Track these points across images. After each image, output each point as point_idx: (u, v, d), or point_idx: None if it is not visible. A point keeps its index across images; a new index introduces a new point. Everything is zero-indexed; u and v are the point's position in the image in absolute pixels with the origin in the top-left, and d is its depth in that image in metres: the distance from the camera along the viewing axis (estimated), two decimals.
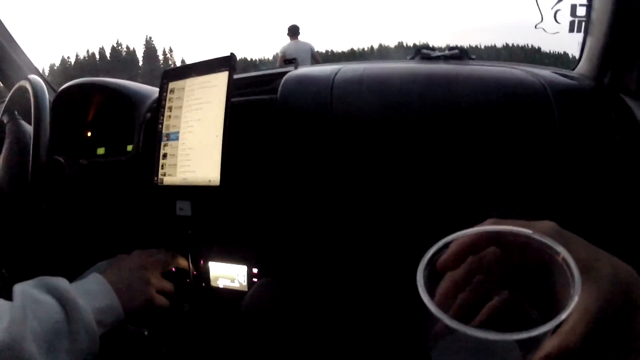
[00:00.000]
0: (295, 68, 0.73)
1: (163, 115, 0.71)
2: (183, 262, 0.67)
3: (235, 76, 0.65)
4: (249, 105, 0.66)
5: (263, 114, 0.65)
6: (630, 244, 0.57)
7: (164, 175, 0.69)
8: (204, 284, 0.69)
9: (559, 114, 0.60)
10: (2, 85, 1.05)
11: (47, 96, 0.70)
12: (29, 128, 0.71)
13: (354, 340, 0.59)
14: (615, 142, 0.60)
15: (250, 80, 0.72)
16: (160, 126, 0.71)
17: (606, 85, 0.67)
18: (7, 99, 0.81)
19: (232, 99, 0.62)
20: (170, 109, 0.71)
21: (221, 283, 0.69)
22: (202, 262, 0.68)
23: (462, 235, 0.27)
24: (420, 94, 0.63)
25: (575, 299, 0.23)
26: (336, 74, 0.66)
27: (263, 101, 0.65)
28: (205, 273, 0.68)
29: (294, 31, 4.45)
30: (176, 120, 0.69)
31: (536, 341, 0.23)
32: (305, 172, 0.62)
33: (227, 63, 0.65)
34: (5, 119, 0.77)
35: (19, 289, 0.51)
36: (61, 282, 0.53)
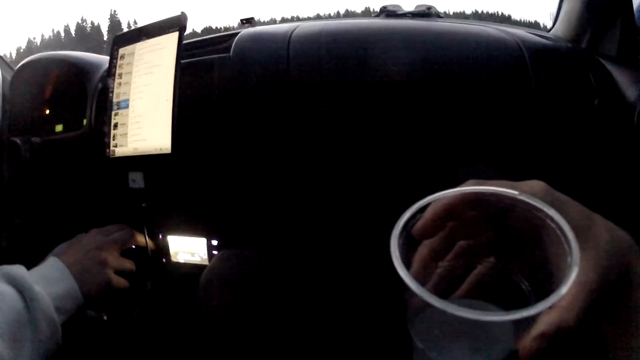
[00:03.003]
0: (253, 27, 0.68)
1: (113, 83, 0.67)
2: (142, 239, 0.64)
3: (188, 41, 0.61)
4: (200, 65, 0.62)
5: (216, 74, 0.61)
6: (610, 210, 0.55)
7: (115, 146, 0.64)
8: (164, 260, 0.66)
9: (534, 73, 0.58)
10: None
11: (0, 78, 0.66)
12: None
13: (319, 314, 0.56)
14: (594, 106, 0.57)
15: (204, 42, 0.68)
16: (110, 95, 0.67)
17: (583, 48, 0.65)
18: None
19: (183, 61, 0.58)
20: (120, 75, 0.67)
21: (181, 258, 0.66)
22: (160, 237, 0.65)
23: (439, 197, 0.24)
24: (384, 49, 0.59)
25: (575, 270, 0.20)
26: (293, 30, 0.61)
27: (216, 60, 0.61)
28: (164, 248, 0.66)
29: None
30: (126, 87, 0.65)
31: (530, 317, 0.19)
32: (260, 134, 0.58)
33: (177, 23, 0.61)
34: None
35: None
36: (19, 270, 0.51)
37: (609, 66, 0.61)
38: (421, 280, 0.23)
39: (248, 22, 0.68)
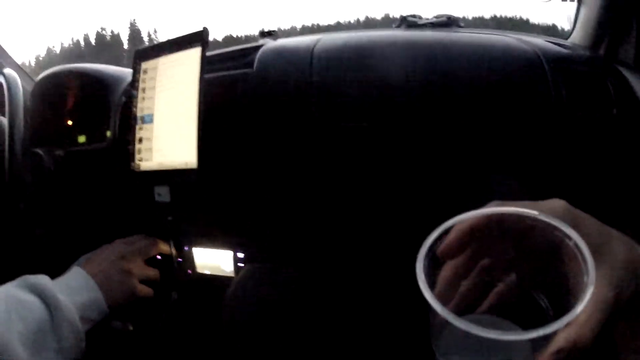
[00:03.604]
0: (274, 40, 0.68)
1: (137, 98, 0.68)
2: (165, 248, 0.65)
3: (210, 52, 0.62)
4: (224, 81, 0.62)
5: (240, 89, 0.61)
6: (630, 220, 0.54)
7: (141, 160, 0.65)
8: (189, 271, 0.67)
9: (553, 84, 0.58)
10: None
11: (20, 90, 0.67)
12: (5, 122, 0.69)
13: (346, 329, 0.57)
14: (613, 116, 0.57)
15: (226, 55, 0.68)
16: (134, 109, 0.68)
17: (601, 55, 0.64)
18: None
19: (207, 75, 0.59)
20: (143, 90, 0.67)
21: (207, 270, 0.66)
22: (186, 249, 0.66)
23: (463, 219, 0.25)
24: (406, 63, 0.59)
25: (590, 289, 0.20)
26: (316, 43, 0.62)
27: (239, 76, 0.61)
28: (190, 260, 0.66)
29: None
30: (150, 102, 0.66)
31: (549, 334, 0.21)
32: (286, 150, 0.59)
33: (199, 38, 0.61)
34: None
35: (1, 291, 0.50)
36: (43, 279, 0.52)
37: (626, 73, 0.60)
38: (445, 298, 0.24)
39: (269, 34, 0.69)
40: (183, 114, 0.60)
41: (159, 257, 0.65)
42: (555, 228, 0.23)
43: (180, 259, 0.66)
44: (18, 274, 0.52)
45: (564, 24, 0.85)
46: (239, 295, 0.56)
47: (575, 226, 0.23)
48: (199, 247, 0.66)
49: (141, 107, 0.67)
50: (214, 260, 0.65)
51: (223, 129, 0.61)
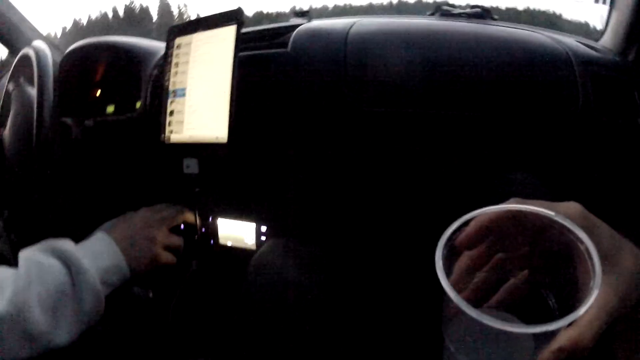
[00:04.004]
0: (309, 21, 0.69)
1: (169, 72, 0.69)
2: (190, 217, 0.67)
3: (245, 30, 0.62)
4: (258, 59, 0.63)
5: (273, 69, 0.62)
6: None
7: (171, 132, 0.67)
8: (212, 241, 0.68)
9: (582, 86, 0.58)
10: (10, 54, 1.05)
11: (49, 61, 0.69)
12: (35, 94, 0.70)
13: (363, 308, 0.58)
14: (637, 124, 0.57)
15: (261, 33, 0.69)
16: (166, 83, 0.69)
17: (630, 62, 0.64)
18: (12, 67, 0.80)
19: (241, 53, 0.60)
20: (176, 64, 0.69)
21: (229, 241, 0.68)
22: (210, 219, 0.68)
23: (483, 212, 0.26)
24: (438, 53, 0.59)
25: (595, 292, 0.22)
26: (351, 27, 0.62)
27: (273, 55, 0.62)
28: (214, 230, 0.68)
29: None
30: (183, 77, 0.67)
31: (551, 331, 0.22)
32: (315, 131, 0.60)
33: (234, 16, 0.62)
34: (11, 87, 0.76)
35: (24, 255, 0.51)
36: (66, 244, 0.53)
37: None
38: (459, 287, 0.25)
39: (303, 14, 0.69)
40: (216, 90, 0.62)
41: (182, 226, 0.67)
42: (569, 230, 0.24)
43: (203, 229, 0.67)
44: (43, 239, 0.54)
45: (597, 23, 0.84)
46: (259, 269, 0.58)
47: (588, 231, 0.23)
48: (223, 217, 0.67)
49: (173, 81, 0.68)
50: (236, 232, 0.67)
51: (254, 107, 0.62)
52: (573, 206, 0.26)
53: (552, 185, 0.57)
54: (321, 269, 0.56)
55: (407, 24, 0.64)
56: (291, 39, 0.62)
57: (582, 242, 0.23)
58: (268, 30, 0.69)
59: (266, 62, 0.62)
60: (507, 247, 0.27)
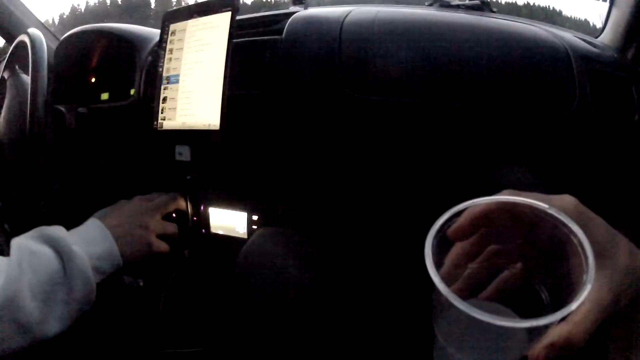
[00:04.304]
0: (305, 8, 0.68)
1: (163, 58, 0.68)
2: (183, 205, 0.66)
3: (240, 17, 0.62)
4: (252, 46, 0.63)
5: (268, 56, 0.61)
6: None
7: (164, 119, 0.66)
8: (203, 230, 0.68)
9: (579, 82, 0.57)
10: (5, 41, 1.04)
11: (45, 48, 0.68)
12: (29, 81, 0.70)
13: (355, 297, 0.58)
14: (634, 121, 0.56)
15: (256, 20, 0.68)
16: (160, 69, 0.68)
17: (629, 59, 0.64)
18: (7, 54, 0.80)
19: (235, 40, 0.59)
20: (171, 51, 0.68)
21: (221, 230, 0.68)
22: (202, 208, 0.67)
23: (476, 203, 0.25)
24: (435, 43, 0.59)
25: (588, 287, 0.21)
26: (347, 15, 0.61)
27: (268, 42, 0.61)
28: (205, 219, 0.68)
29: None
30: (177, 63, 0.67)
31: (543, 326, 0.21)
32: (308, 118, 0.59)
33: (230, 3, 0.61)
34: (6, 75, 0.75)
35: (16, 242, 0.50)
36: (58, 230, 0.52)
37: None
38: (450, 279, 0.25)
39: (300, 2, 0.68)
40: (209, 77, 0.61)
41: (174, 215, 0.66)
42: (562, 224, 0.23)
43: (195, 218, 0.67)
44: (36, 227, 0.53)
45: (596, 21, 0.83)
46: (248, 259, 0.57)
47: (583, 225, 0.23)
48: (215, 207, 0.67)
49: (167, 68, 0.68)
50: (228, 221, 0.67)
51: (247, 94, 0.62)
52: (567, 199, 0.25)
53: (548, 180, 0.57)
54: (312, 259, 0.55)
55: (404, 13, 0.64)
56: (286, 25, 0.62)
57: (575, 235, 0.23)
58: (264, 17, 0.68)
59: (261, 49, 0.62)
60: (500, 239, 0.27)
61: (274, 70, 0.61)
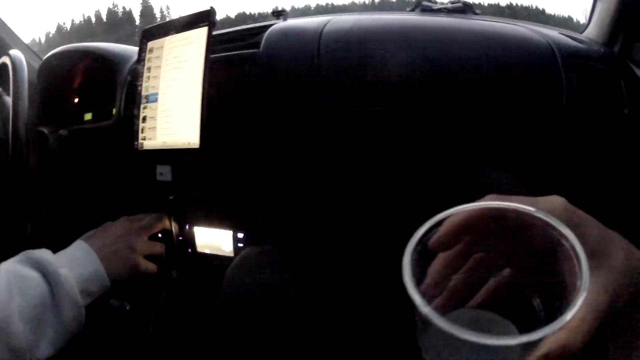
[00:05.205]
0: (284, 20, 0.67)
1: (142, 77, 0.67)
2: (169, 225, 0.66)
3: (218, 32, 0.61)
4: (231, 61, 0.62)
5: (246, 70, 0.60)
6: (633, 221, 0.53)
7: (144, 139, 0.65)
8: (189, 250, 0.67)
9: (566, 78, 0.56)
10: None
11: (25, 71, 0.68)
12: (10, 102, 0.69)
13: (339, 316, 0.57)
14: (624, 115, 0.55)
15: (234, 35, 0.67)
16: (139, 88, 0.67)
17: (616, 53, 0.63)
18: None
19: (213, 55, 0.58)
20: (149, 69, 0.67)
21: (207, 249, 0.67)
22: (187, 228, 0.66)
23: (458, 211, 0.24)
24: (415, 49, 0.58)
25: (583, 295, 0.19)
26: (325, 25, 0.60)
27: (246, 56, 0.60)
28: (191, 239, 0.67)
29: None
30: (155, 81, 0.66)
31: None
32: (290, 133, 0.58)
33: (206, 18, 0.60)
34: None
35: (4, 267, 0.50)
36: (44, 254, 0.52)
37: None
38: (434, 292, 0.23)
39: (280, 14, 0.67)
40: (187, 94, 0.60)
41: (160, 235, 0.66)
42: (551, 227, 0.22)
43: (180, 237, 0.66)
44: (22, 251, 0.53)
45: (580, 17, 0.83)
46: (237, 278, 0.56)
47: (574, 226, 0.21)
48: (199, 226, 0.66)
49: (146, 86, 0.67)
50: (214, 239, 0.66)
51: (228, 110, 0.61)
52: (555, 200, 0.24)
53: (534, 181, 0.56)
54: (298, 278, 0.54)
55: (383, 20, 0.63)
56: (264, 38, 0.61)
57: (567, 239, 0.21)
58: (242, 31, 0.67)
59: (239, 63, 0.61)
60: (486, 246, 0.25)
61: (253, 84, 0.60)
